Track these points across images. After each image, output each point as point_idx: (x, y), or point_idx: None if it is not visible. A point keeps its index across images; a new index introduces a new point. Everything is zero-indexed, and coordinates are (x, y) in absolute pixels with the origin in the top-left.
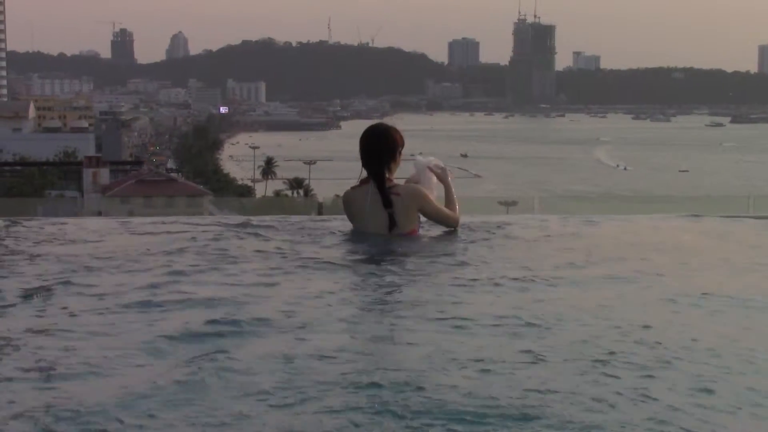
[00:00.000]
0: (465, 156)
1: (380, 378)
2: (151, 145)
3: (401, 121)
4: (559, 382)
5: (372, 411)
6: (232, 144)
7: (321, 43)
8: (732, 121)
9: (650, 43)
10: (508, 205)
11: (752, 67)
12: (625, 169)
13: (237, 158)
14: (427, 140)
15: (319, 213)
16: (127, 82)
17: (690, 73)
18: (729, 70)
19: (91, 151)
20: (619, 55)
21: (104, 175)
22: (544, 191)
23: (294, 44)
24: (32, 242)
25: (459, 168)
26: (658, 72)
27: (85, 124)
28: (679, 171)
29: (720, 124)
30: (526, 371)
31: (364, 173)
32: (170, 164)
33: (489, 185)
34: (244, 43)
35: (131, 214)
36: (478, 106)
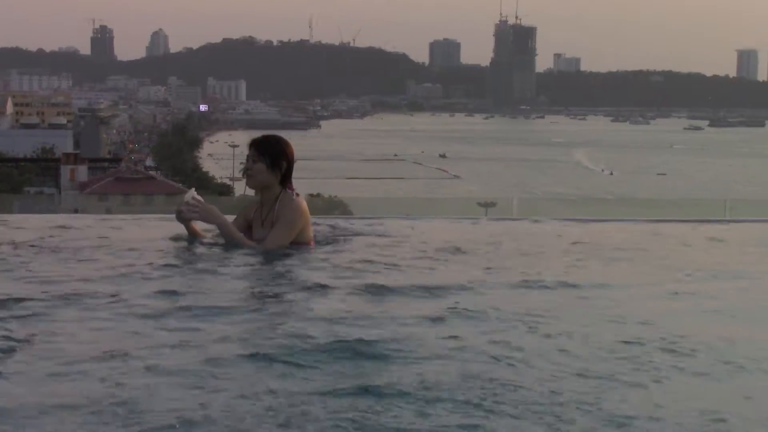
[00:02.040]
0: (444, 156)
1: None
2: (130, 143)
3: (382, 121)
4: None
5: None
6: (212, 142)
7: (302, 42)
8: (710, 125)
9: (630, 46)
10: (487, 206)
11: (731, 71)
12: (611, 174)
13: (216, 157)
14: (407, 140)
15: None
16: (106, 79)
17: (669, 76)
18: (708, 73)
19: (69, 148)
20: (600, 57)
21: (82, 172)
22: (526, 193)
23: (275, 43)
24: None
25: (438, 168)
26: (638, 75)
27: (63, 120)
28: (657, 174)
29: (698, 128)
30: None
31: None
32: (149, 162)
33: (468, 186)
34: (225, 41)
35: (109, 211)
36: (459, 107)
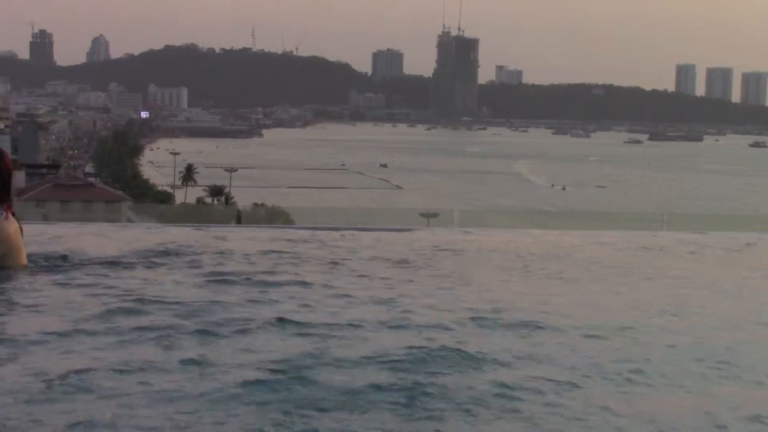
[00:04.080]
0: (385, 166)
1: None
2: (69, 149)
3: (324, 131)
4: None
5: None
6: (153, 149)
7: (245, 50)
8: (650, 138)
9: (572, 60)
10: (429, 216)
11: (670, 85)
12: (563, 189)
13: (157, 164)
14: (349, 150)
15: (238, 221)
16: (45, 84)
17: (610, 89)
18: (648, 88)
19: None
20: (542, 70)
21: (20, 178)
22: (469, 204)
23: (217, 50)
24: None
25: (380, 179)
26: (579, 88)
27: (0, 125)
28: (596, 186)
29: (638, 141)
30: None
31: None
32: (89, 168)
33: (411, 197)
34: (167, 48)
35: (46, 218)
36: (401, 117)
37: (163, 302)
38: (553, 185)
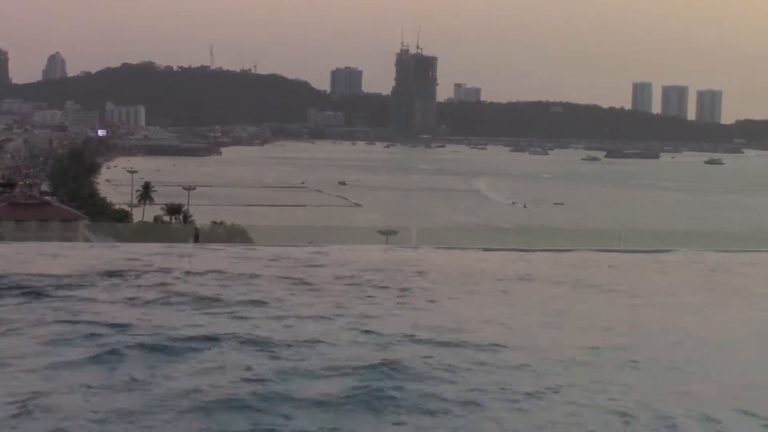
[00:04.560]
0: (344, 184)
1: None
2: (24, 167)
3: (282, 149)
4: None
5: None
6: (110, 168)
7: (203, 68)
8: (607, 156)
9: (530, 78)
10: (388, 234)
11: (627, 103)
12: (524, 206)
13: (114, 182)
14: (308, 168)
15: (196, 239)
16: (0, 102)
17: (568, 107)
18: (605, 105)
19: None
20: (500, 88)
21: None
22: (428, 221)
23: (175, 68)
24: None
25: (339, 196)
26: (537, 105)
27: None
28: (554, 203)
29: (596, 158)
30: None
31: None
32: (45, 187)
33: (370, 214)
34: (124, 65)
35: (1, 237)
36: (360, 135)
37: (107, 323)
38: (514, 203)
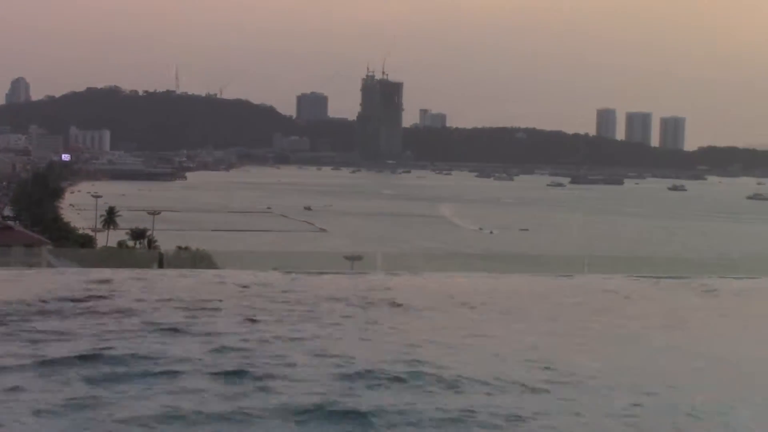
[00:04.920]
0: (309, 209)
1: None
2: None
3: (248, 174)
4: None
5: None
6: (74, 192)
7: (168, 92)
8: (572, 182)
9: (495, 104)
10: (354, 259)
11: (591, 129)
12: (491, 233)
13: (78, 207)
14: (274, 193)
15: (160, 265)
16: None
17: (532, 133)
18: (569, 131)
19: None
20: (465, 113)
21: None
22: (394, 247)
23: (140, 93)
24: None
25: (305, 222)
26: (502, 131)
27: None
28: (520, 230)
29: (560, 184)
30: None
31: None
32: (8, 212)
33: (335, 240)
34: (89, 90)
35: None
36: (326, 160)
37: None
38: (481, 229)
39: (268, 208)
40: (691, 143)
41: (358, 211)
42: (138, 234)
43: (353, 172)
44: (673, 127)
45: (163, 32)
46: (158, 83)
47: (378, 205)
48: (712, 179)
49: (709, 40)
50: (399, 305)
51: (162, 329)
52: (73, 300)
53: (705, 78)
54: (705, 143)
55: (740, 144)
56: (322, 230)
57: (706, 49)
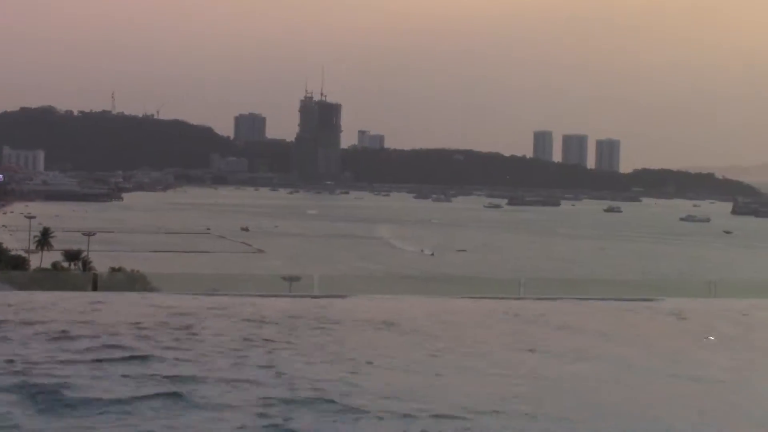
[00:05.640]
0: (246, 230)
1: None
2: None
3: (186, 195)
4: None
5: None
6: (6, 213)
7: (104, 113)
8: (509, 203)
9: (433, 125)
10: (292, 280)
11: (528, 151)
12: (432, 254)
13: (11, 228)
14: (212, 214)
15: (94, 287)
16: None
17: (470, 155)
18: (506, 153)
19: None
20: (403, 135)
21: None
22: (332, 268)
23: (75, 113)
24: None
25: (242, 242)
26: (440, 153)
27: None
28: (457, 251)
29: (498, 206)
30: None
31: None
32: None
33: (273, 260)
34: (23, 110)
35: None
36: (264, 181)
37: None
38: (423, 251)
39: (208, 229)
40: (625, 165)
41: (295, 232)
42: (73, 255)
43: (291, 193)
44: (608, 149)
45: (100, 53)
46: (94, 103)
47: (318, 225)
48: (647, 201)
49: (642, 66)
50: (321, 328)
51: (95, 350)
52: None
53: (638, 102)
54: (639, 165)
55: (673, 166)
56: (260, 251)
57: (638, 74)
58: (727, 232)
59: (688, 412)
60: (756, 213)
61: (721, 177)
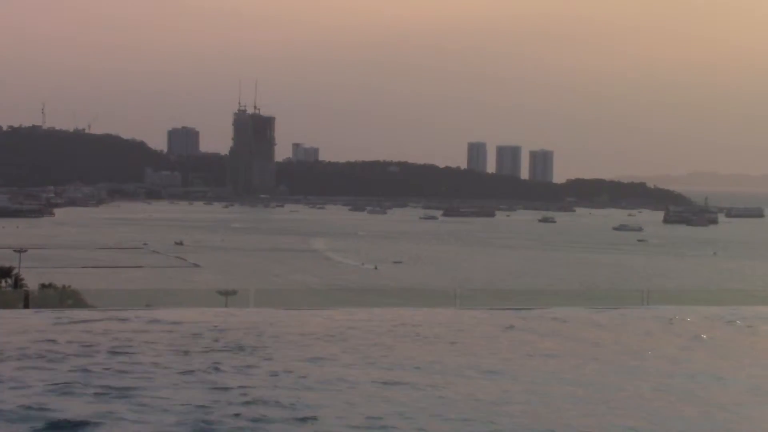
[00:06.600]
0: (181, 244)
1: None
2: None
3: (119, 209)
4: None
5: None
6: None
7: (34, 127)
8: (444, 214)
9: (367, 138)
10: (228, 294)
11: (462, 162)
12: (375, 268)
13: None
14: (145, 228)
15: (26, 304)
16: None
17: (405, 167)
18: (441, 165)
19: None
20: (338, 148)
21: None
22: (267, 282)
23: (5, 128)
24: None
25: (177, 257)
26: (375, 165)
27: None
28: (393, 262)
29: (433, 217)
30: None
31: None
32: None
33: (208, 275)
34: None
35: None
36: (198, 195)
37: None
38: (363, 264)
39: (145, 244)
40: (559, 176)
41: (231, 246)
42: (3, 272)
43: (226, 206)
44: (542, 159)
45: (28, 67)
46: (23, 118)
47: (254, 239)
48: (581, 210)
49: (574, 76)
50: (241, 349)
51: (24, 369)
52: None
53: (570, 113)
54: (572, 176)
55: (606, 176)
56: (196, 265)
57: (570, 85)
58: (641, 240)
59: None
60: (688, 222)
61: (652, 186)
